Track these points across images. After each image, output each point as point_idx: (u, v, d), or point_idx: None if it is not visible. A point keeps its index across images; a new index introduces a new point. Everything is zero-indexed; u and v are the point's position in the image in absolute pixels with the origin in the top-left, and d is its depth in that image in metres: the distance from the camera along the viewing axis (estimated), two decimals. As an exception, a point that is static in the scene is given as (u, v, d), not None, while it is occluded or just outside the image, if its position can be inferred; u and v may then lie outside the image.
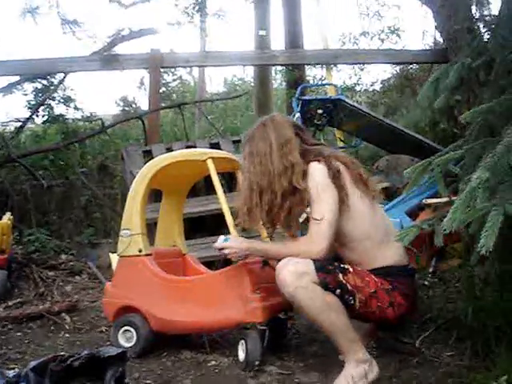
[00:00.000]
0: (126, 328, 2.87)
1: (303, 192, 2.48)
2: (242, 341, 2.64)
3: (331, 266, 2.41)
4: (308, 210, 2.53)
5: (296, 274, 2.34)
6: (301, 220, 2.69)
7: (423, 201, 3.88)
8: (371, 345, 2.74)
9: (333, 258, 2.52)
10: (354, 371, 2.36)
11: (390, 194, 4.42)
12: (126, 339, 2.86)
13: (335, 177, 2.46)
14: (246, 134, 2.69)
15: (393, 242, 2.49)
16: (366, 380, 2.36)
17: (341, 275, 2.39)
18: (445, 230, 1.89)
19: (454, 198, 2.16)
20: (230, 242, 2.59)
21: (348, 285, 2.39)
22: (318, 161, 2.49)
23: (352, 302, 2.39)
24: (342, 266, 2.44)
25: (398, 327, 2.77)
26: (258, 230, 2.93)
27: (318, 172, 2.47)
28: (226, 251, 2.59)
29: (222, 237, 2.63)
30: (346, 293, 2.38)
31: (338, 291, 2.38)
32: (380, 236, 2.52)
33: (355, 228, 2.50)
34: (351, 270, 2.44)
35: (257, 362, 2.58)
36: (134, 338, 2.85)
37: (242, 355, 2.64)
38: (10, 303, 3.70)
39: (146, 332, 2.83)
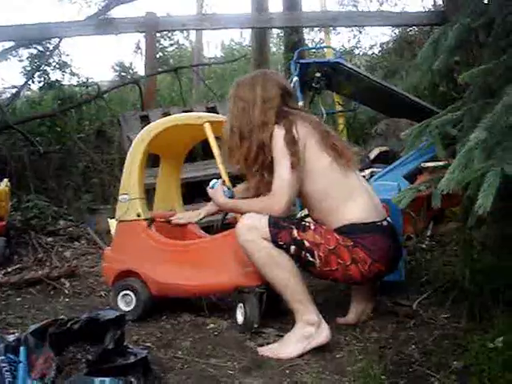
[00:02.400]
0: (125, 292, 2.89)
1: (269, 150, 2.55)
2: (241, 304, 2.66)
3: (286, 223, 2.47)
4: None
5: (247, 227, 2.48)
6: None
7: (422, 164, 3.87)
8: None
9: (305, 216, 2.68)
10: (299, 332, 2.43)
11: (389, 158, 4.40)
12: (126, 303, 2.88)
13: (291, 142, 2.51)
14: (237, 79, 2.76)
15: (358, 200, 2.56)
16: (309, 343, 2.41)
17: (296, 231, 2.46)
18: (442, 190, 1.88)
19: (453, 160, 2.14)
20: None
21: (305, 241, 2.46)
22: (280, 124, 2.55)
23: (311, 258, 2.46)
24: (302, 223, 2.52)
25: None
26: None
27: (277, 136, 2.53)
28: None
29: (214, 180, 2.78)
30: (303, 249, 2.45)
31: (293, 248, 2.45)
32: (342, 195, 2.55)
33: (314, 189, 2.56)
34: (312, 227, 2.51)
35: (256, 325, 2.61)
36: (134, 302, 2.86)
37: (240, 318, 2.66)
38: (9, 269, 3.72)
39: (146, 296, 2.85)
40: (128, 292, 2.88)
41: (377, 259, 2.50)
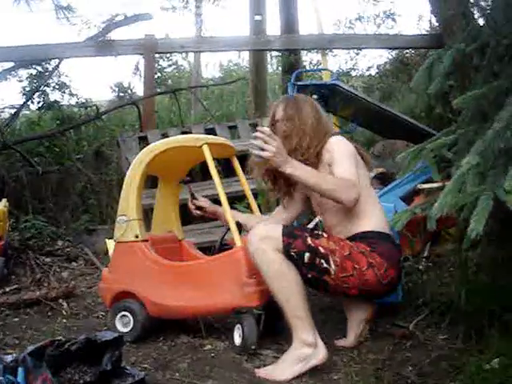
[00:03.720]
0: (123, 313, 2.89)
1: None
2: (239, 325, 2.66)
3: (300, 232, 2.51)
4: None
5: (260, 237, 2.48)
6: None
7: (417, 186, 3.90)
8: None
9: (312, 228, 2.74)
10: (295, 352, 2.43)
11: (385, 179, 4.43)
12: (123, 324, 2.89)
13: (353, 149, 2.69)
14: (285, 99, 2.85)
15: (374, 210, 2.67)
16: (306, 364, 2.40)
17: (310, 239, 2.49)
18: (435, 214, 1.92)
19: (447, 182, 2.18)
20: (275, 143, 2.46)
21: (320, 248, 2.49)
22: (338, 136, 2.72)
23: (326, 265, 2.48)
24: (315, 232, 2.57)
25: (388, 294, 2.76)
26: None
27: (343, 142, 2.67)
28: (266, 147, 2.44)
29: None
30: (318, 256, 2.48)
31: (308, 255, 2.47)
32: (364, 202, 2.62)
33: None
34: (325, 235, 2.56)
35: (253, 347, 2.60)
36: (131, 323, 2.87)
37: (238, 339, 2.66)
38: (7, 289, 3.70)
39: (143, 317, 2.86)
40: (126, 313, 2.88)
41: (392, 265, 2.56)
